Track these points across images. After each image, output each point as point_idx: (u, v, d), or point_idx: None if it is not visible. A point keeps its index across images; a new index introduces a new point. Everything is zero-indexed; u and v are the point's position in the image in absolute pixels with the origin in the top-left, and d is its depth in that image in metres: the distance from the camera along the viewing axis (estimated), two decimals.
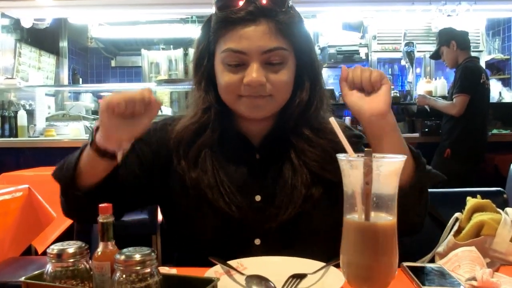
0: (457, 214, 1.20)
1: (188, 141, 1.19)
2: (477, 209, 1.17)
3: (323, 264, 0.96)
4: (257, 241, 1.13)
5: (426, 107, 4.15)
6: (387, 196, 0.69)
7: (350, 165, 0.70)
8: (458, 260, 1.01)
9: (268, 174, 1.18)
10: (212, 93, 1.18)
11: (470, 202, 1.20)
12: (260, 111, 1.14)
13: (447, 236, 1.18)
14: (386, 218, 0.69)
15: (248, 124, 1.21)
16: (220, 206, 1.12)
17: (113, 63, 7.72)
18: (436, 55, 4.11)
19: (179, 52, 6.92)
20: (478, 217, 1.14)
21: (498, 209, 1.18)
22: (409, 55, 4.79)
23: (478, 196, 1.23)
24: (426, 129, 4.29)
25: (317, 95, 1.19)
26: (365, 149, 0.67)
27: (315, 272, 0.94)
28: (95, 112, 5.67)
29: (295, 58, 1.15)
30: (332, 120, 0.86)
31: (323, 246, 1.02)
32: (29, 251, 2.88)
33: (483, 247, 1.08)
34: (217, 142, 1.19)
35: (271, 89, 1.11)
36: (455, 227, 1.18)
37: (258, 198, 1.15)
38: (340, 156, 0.72)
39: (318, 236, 1.14)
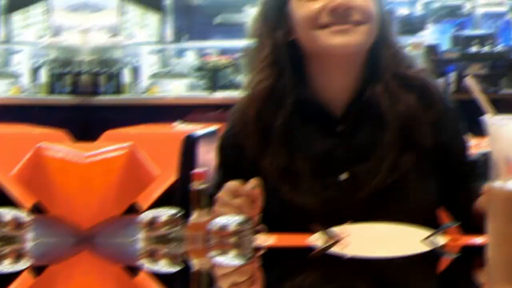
0: None
1: (257, 112, 1.06)
2: None
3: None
4: None
5: None
6: None
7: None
8: None
9: (354, 145, 1.06)
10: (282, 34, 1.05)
11: None
12: (348, 37, 1.01)
13: None
14: None
15: (328, 83, 1.07)
16: (295, 200, 1.01)
17: (216, 21, 7.72)
18: None
19: None
20: None
21: None
22: None
23: None
24: None
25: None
26: None
27: None
28: (198, 69, 5.67)
29: None
30: (470, 80, 0.69)
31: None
32: (131, 209, 2.91)
33: None
34: (291, 113, 1.06)
35: (360, 16, 1.01)
36: None
37: (343, 177, 1.04)
38: (489, 118, 0.62)
39: (410, 218, 0.97)
